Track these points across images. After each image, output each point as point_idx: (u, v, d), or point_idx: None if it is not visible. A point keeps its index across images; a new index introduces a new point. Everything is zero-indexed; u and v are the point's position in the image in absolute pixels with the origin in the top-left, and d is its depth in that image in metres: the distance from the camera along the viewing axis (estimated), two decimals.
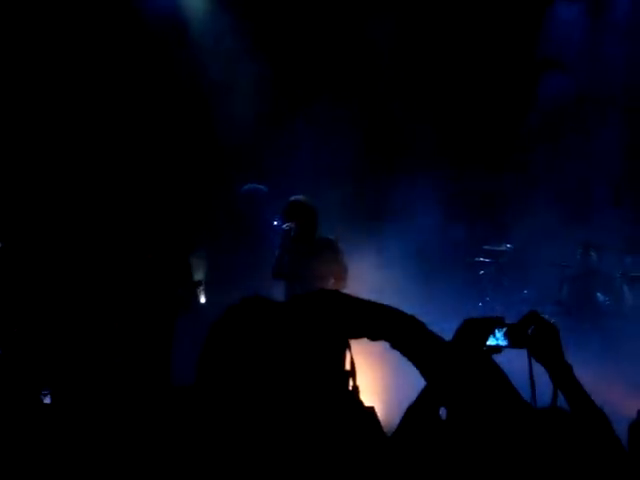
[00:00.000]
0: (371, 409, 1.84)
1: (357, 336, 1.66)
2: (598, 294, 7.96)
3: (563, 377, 1.82)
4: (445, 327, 1.87)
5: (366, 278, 6.71)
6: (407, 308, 1.75)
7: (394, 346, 1.73)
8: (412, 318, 1.74)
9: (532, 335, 1.85)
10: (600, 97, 8.83)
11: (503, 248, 8.68)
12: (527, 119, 9.09)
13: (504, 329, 1.87)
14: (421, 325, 1.74)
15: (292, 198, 6.23)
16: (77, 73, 7.53)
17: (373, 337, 1.71)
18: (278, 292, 6.01)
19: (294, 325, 1.41)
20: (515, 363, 1.93)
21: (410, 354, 1.72)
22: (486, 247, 8.76)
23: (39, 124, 7.30)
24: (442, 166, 8.32)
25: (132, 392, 5.41)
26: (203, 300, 7.93)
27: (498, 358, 1.87)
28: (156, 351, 6.04)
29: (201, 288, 7.49)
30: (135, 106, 7.90)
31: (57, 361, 5.91)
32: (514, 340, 1.86)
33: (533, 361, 1.88)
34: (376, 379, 5.87)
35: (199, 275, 7.18)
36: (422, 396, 1.73)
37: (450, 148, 8.61)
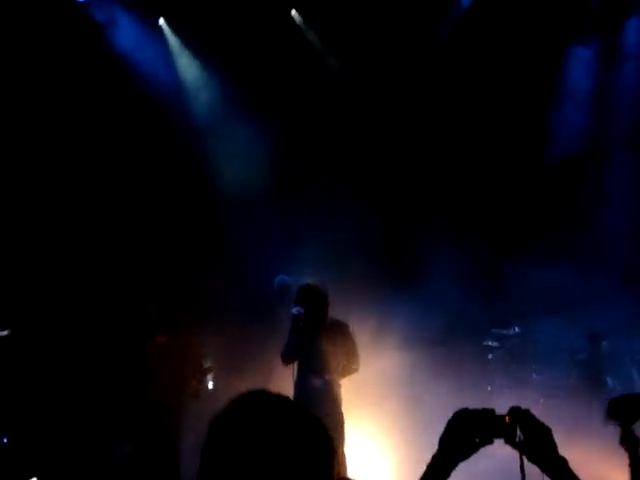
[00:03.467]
0: None
1: None
2: (608, 378, 7.89)
3: (558, 473, 1.83)
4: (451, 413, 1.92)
5: (374, 360, 6.68)
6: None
7: None
8: None
9: (523, 437, 1.86)
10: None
11: (512, 332, 8.62)
12: (534, 196, 9.19)
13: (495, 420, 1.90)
14: None
15: (302, 282, 6.20)
16: (83, 149, 7.75)
17: None
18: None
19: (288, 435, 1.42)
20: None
21: None
22: (494, 330, 8.71)
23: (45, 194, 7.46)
24: (450, 246, 8.37)
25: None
26: (211, 387, 7.87)
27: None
28: (164, 439, 5.99)
29: (211, 375, 7.46)
30: (139, 181, 8.08)
31: (67, 448, 5.87)
32: (507, 436, 1.88)
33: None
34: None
35: (208, 362, 7.16)
36: None
37: (458, 229, 8.68)
